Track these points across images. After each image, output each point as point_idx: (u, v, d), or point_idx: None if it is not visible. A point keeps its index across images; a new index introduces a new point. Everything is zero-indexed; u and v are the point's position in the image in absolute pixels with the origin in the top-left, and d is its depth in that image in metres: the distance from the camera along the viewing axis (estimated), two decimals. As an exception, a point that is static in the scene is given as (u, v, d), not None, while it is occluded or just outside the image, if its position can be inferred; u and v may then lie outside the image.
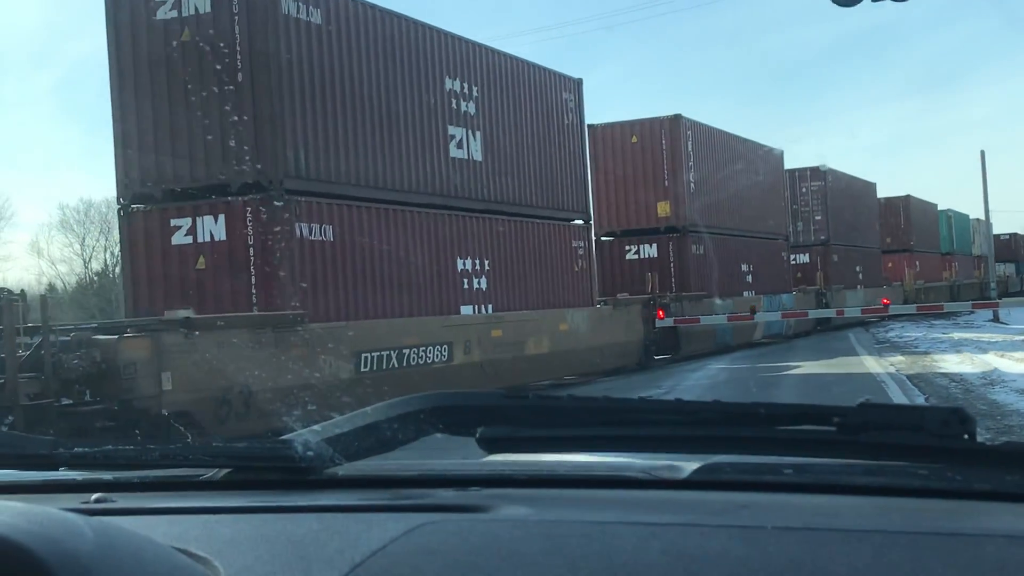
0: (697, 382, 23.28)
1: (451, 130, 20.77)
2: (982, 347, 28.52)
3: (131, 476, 1.86)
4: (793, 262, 46.51)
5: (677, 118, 32.05)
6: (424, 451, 1.83)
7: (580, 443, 1.76)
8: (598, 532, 1.39)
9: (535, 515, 1.50)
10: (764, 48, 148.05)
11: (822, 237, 46.89)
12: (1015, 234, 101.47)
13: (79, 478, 1.84)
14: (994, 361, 23.56)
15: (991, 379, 19.60)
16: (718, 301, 33.88)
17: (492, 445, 1.70)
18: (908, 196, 64.07)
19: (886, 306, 38.05)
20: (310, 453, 1.69)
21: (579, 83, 26.01)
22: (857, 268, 51.09)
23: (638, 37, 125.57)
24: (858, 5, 15.63)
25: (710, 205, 33.69)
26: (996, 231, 73.14)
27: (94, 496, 1.69)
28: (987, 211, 57.97)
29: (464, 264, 20.91)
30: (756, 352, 33.59)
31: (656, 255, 32.13)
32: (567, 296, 24.75)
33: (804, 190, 47.04)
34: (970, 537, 1.35)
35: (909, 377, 21.31)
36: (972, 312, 42.86)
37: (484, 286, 21.46)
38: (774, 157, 40.75)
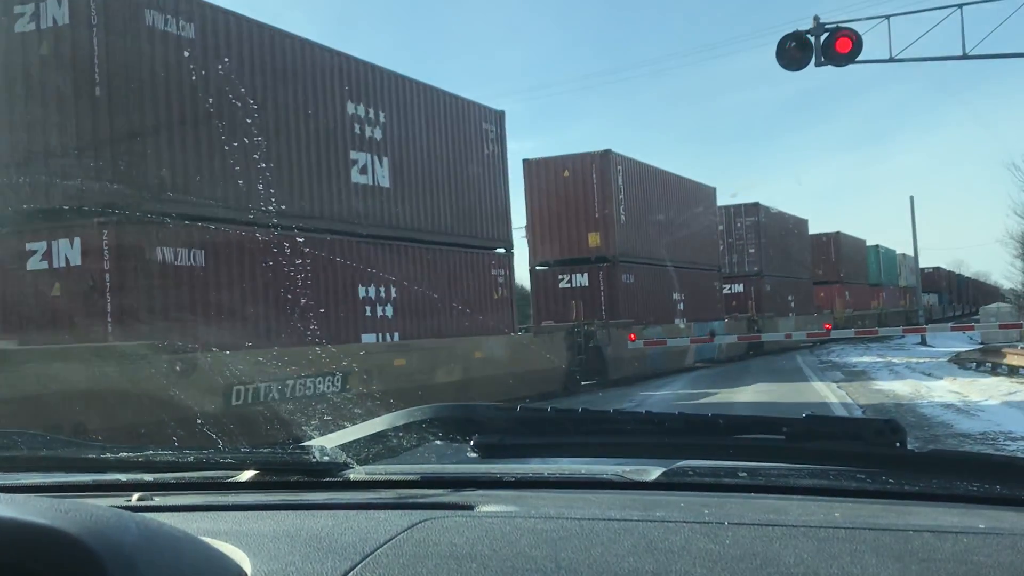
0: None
1: (353, 155, 17.86)
2: (912, 368, 29.14)
3: (169, 477, 1.81)
4: (728, 291, 43.74)
5: (607, 153, 29.19)
6: (425, 456, 1.82)
7: (562, 449, 1.75)
8: (577, 527, 1.38)
9: (521, 512, 1.50)
10: (721, 106, 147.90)
11: (755, 268, 44.07)
12: (938, 267, 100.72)
13: (123, 479, 1.79)
14: (921, 380, 23.84)
15: (919, 394, 19.89)
16: (681, 325, 31.08)
17: (485, 451, 1.66)
18: (838, 232, 61.58)
19: (828, 330, 37.91)
20: (326, 458, 1.69)
21: (501, 115, 23.13)
22: (789, 297, 48.30)
23: (609, 98, 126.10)
24: (804, 69, 16.13)
25: (641, 236, 30.81)
26: (922, 265, 71.17)
27: (136, 495, 1.67)
28: (916, 248, 57.69)
29: (367, 291, 17.97)
30: (696, 377, 30.64)
31: (587, 284, 29.21)
32: (485, 323, 21.82)
33: (739, 225, 44.24)
34: (900, 532, 1.34)
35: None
36: (903, 336, 44.11)
37: (390, 314, 18.51)
38: (707, 193, 37.89)
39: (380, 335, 18.17)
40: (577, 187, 29.21)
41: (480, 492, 1.68)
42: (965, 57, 17.11)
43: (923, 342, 42.73)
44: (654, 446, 1.70)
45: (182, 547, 1.13)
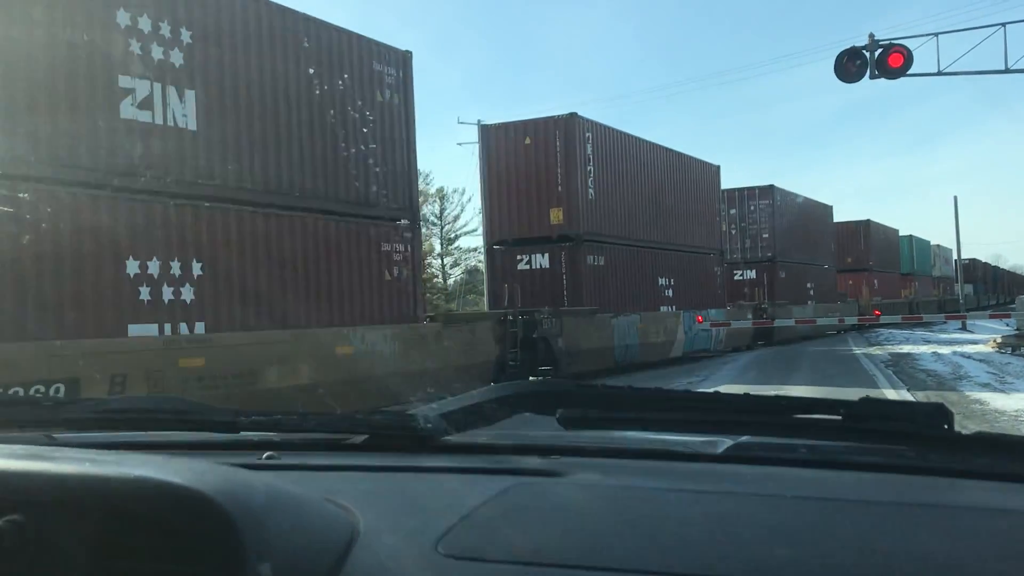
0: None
1: (125, 82, 11.50)
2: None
3: (294, 438, 1.79)
4: (739, 278, 36.67)
5: (572, 117, 22.38)
6: (516, 427, 1.77)
7: (639, 423, 1.68)
8: (652, 496, 1.37)
9: (602, 480, 1.46)
10: (782, 113, 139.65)
11: (769, 254, 36.78)
12: (974, 259, 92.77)
13: (255, 438, 1.76)
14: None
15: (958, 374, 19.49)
16: (668, 313, 24.13)
17: (569, 423, 1.60)
18: (869, 220, 53.68)
19: (877, 316, 35.18)
20: (429, 425, 1.66)
21: (404, 57, 16.51)
22: (808, 284, 40.82)
23: (681, 106, 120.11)
24: (859, 81, 16.17)
25: (615, 214, 23.94)
26: (955, 257, 63.22)
27: (265, 454, 1.66)
28: (958, 243, 54.11)
29: (150, 267, 11.67)
30: (678, 372, 23.78)
31: (548, 265, 22.54)
32: (371, 311, 15.36)
33: (753, 208, 36.98)
34: (949, 509, 1.32)
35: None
36: (945, 322, 42.13)
37: (190, 298, 12.17)
38: (708, 171, 30.68)
39: (167, 326, 11.86)
40: (539, 156, 22.50)
41: (565, 460, 1.59)
42: (1008, 71, 16.93)
43: (964, 327, 40.80)
44: (723, 422, 1.64)
45: (303, 506, 1.14)
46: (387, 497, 1.36)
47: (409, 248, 16.28)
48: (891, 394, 15.89)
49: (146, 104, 11.71)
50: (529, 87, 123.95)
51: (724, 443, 1.62)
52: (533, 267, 22.51)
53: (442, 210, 54.25)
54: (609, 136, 23.87)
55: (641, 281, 25.11)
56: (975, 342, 31.33)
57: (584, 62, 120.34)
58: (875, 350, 29.77)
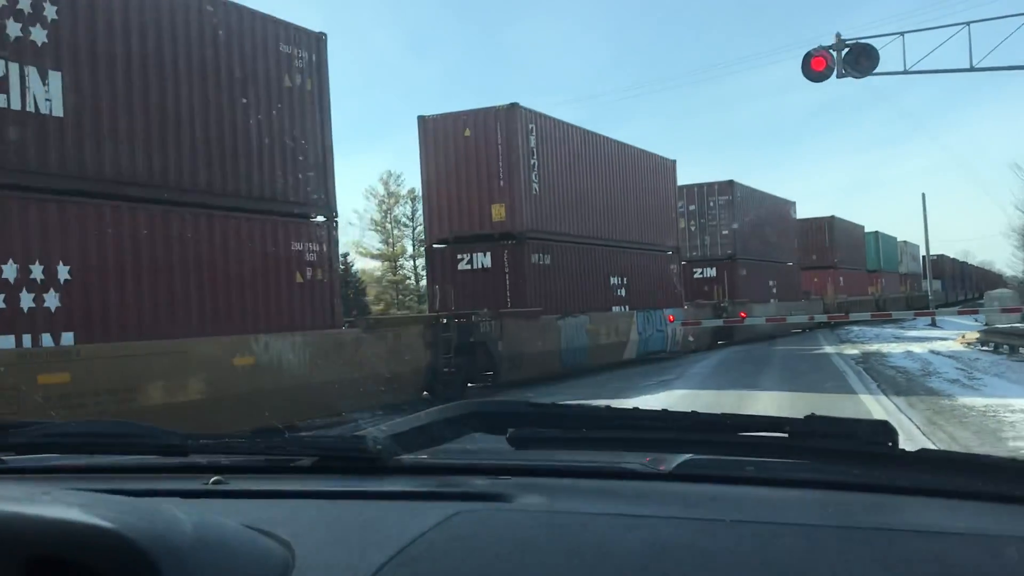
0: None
1: (-31, 61, 10.09)
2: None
3: (243, 461, 1.77)
4: (699, 276, 35.53)
5: (513, 108, 21.04)
6: (465, 447, 1.78)
7: (589, 443, 1.67)
8: (593, 523, 1.33)
9: (547, 504, 1.42)
10: (752, 111, 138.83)
11: (729, 251, 35.63)
12: (942, 255, 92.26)
13: (204, 462, 1.73)
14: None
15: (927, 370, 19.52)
16: (621, 313, 22.78)
17: (520, 443, 1.61)
18: (833, 217, 52.74)
19: (847, 314, 35.73)
20: (379, 447, 1.62)
21: (319, 38, 15.11)
22: (770, 282, 39.74)
23: (652, 106, 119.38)
24: (826, 80, 16.19)
25: (561, 210, 22.63)
26: (923, 253, 62.74)
27: (212, 479, 1.62)
28: (927, 240, 54.78)
29: (5, 271, 10.22)
30: (631, 374, 22.52)
31: (490, 265, 21.20)
32: (279, 317, 13.95)
33: (712, 204, 35.80)
34: (887, 531, 1.29)
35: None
36: (914, 319, 43.68)
37: (55, 305, 10.73)
38: (663, 166, 29.45)
39: (27, 338, 10.42)
40: (480, 149, 21.15)
41: (514, 480, 1.56)
42: (972, 69, 16.94)
43: (933, 323, 41.87)
44: (671, 441, 1.63)
45: (234, 543, 1.11)
46: (328, 527, 1.33)
47: (325, 247, 14.88)
48: (864, 394, 15.62)
49: (-1, 86, 10.26)
50: (502, 88, 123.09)
51: (674, 461, 1.60)
52: (475, 267, 21.16)
53: (414, 211, 53.36)
54: (555, 128, 22.55)
55: (591, 280, 23.82)
56: (944, 338, 31.01)
57: (556, 64, 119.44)
58: (848, 348, 28.75)
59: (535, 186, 21.40)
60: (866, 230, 62.14)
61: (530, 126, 21.37)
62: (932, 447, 10.38)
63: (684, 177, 34.67)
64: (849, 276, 54.60)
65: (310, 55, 14.85)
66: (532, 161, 21.35)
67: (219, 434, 1.82)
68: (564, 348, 21.63)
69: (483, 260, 21.09)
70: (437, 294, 18.59)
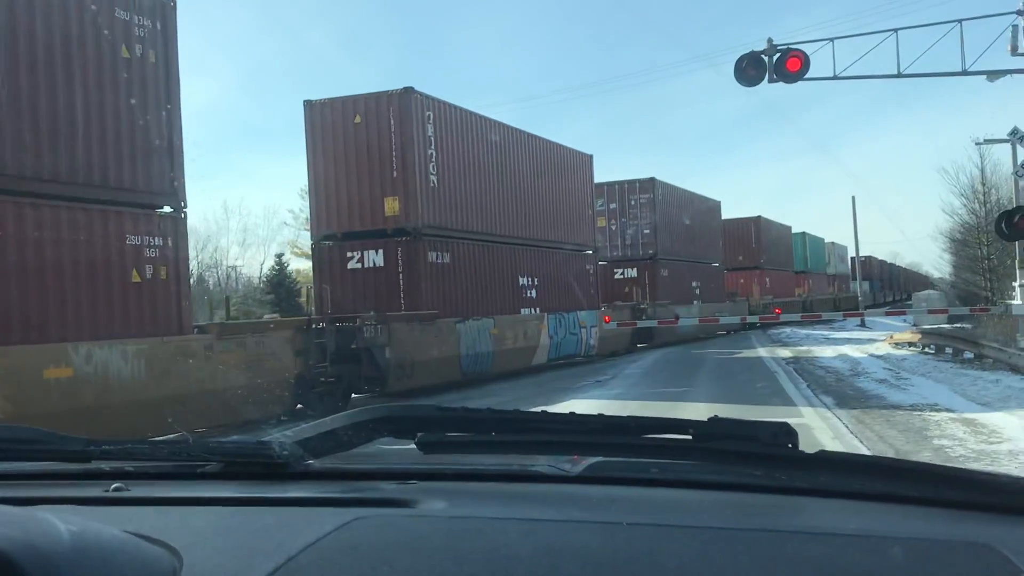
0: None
1: None
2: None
3: (148, 467, 1.74)
4: (620, 277, 34.07)
5: (408, 92, 19.22)
6: (374, 452, 1.78)
7: (498, 447, 1.68)
8: (490, 528, 1.33)
9: (447, 511, 1.41)
10: (687, 115, 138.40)
11: (650, 251, 34.23)
12: (870, 256, 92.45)
13: (107, 468, 1.70)
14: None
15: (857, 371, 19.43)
16: (530, 316, 21.06)
17: (428, 448, 1.61)
18: (759, 217, 51.79)
19: (778, 315, 34.86)
20: (285, 452, 1.61)
21: (164, 5, 13.09)
22: (694, 283, 38.47)
23: (591, 108, 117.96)
24: (758, 85, 16.26)
25: (464, 205, 20.88)
26: (853, 254, 62.48)
27: (113, 485, 1.59)
28: (857, 242, 54.22)
29: None
30: (537, 382, 20.88)
31: (382, 263, 19.38)
32: (108, 322, 11.99)
33: (633, 202, 34.38)
34: (778, 533, 1.30)
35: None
36: (843, 319, 43.05)
37: None
38: (580, 161, 27.87)
39: None
40: (371, 137, 19.30)
41: (421, 485, 1.56)
42: (900, 75, 17.31)
43: (862, 324, 41.38)
44: (579, 444, 1.64)
45: (117, 552, 1.07)
46: (222, 534, 1.31)
47: (170, 241, 12.95)
48: (793, 392, 15.61)
49: None
50: (439, 88, 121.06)
51: (581, 464, 1.60)
52: (365, 265, 19.33)
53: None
54: (455, 116, 20.79)
55: (497, 281, 22.12)
56: (873, 340, 30.67)
57: (494, 65, 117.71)
58: (780, 350, 27.59)
59: (433, 178, 19.63)
60: (793, 231, 61.50)
61: (427, 113, 19.60)
62: (862, 447, 9.75)
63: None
64: (776, 277, 53.81)
65: (154, 23, 12.91)
66: (430, 151, 19.58)
67: (123, 440, 1.76)
68: (464, 354, 19.91)
69: (375, 258, 19.27)
70: (326, 295, 16.71)
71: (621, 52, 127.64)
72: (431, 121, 19.66)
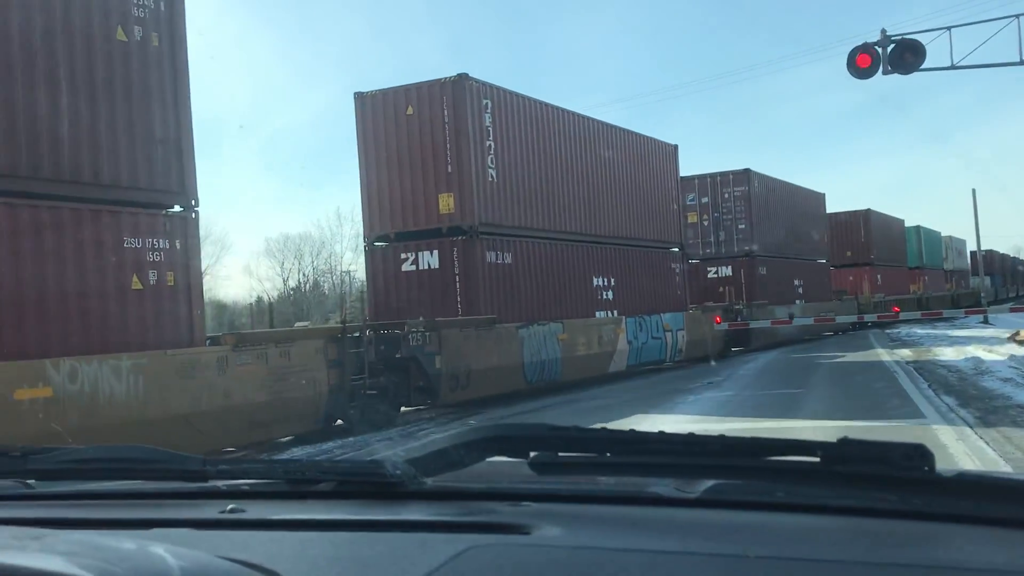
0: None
1: None
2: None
3: (262, 486, 1.72)
4: (713, 276, 31.84)
5: (462, 79, 17.65)
6: (485, 472, 1.69)
7: (612, 468, 1.62)
8: (609, 561, 1.26)
9: (564, 537, 1.36)
10: (797, 110, 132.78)
11: (746, 248, 31.88)
12: (992, 250, 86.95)
13: (223, 487, 1.71)
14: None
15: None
16: (605, 319, 19.45)
17: (542, 468, 1.56)
18: (868, 210, 48.50)
19: (896, 312, 32.67)
20: (397, 471, 1.58)
21: (170, -18, 11.91)
22: (796, 282, 35.86)
23: (693, 107, 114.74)
24: (872, 77, 15.87)
25: (529, 201, 19.23)
26: (973, 248, 58.56)
27: (230, 506, 1.58)
28: (978, 237, 50.16)
29: None
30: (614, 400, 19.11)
31: (438, 265, 17.86)
32: (104, 334, 10.72)
33: (727, 196, 32.09)
34: (920, 568, 1.21)
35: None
36: (965, 316, 40.57)
37: None
38: (663, 152, 25.84)
39: None
40: (424, 130, 17.82)
41: (536, 507, 1.52)
42: (1022, 63, 16.44)
43: (985, 321, 38.36)
44: (697, 467, 1.55)
45: None
46: (335, 564, 1.29)
47: (178, 244, 11.65)
48: (916, 396, 14.17)
49: None
50: (543, 90, 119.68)
51: (700, 486, 1.53)
52: (420, 267, 17.84)
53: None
54: (517, 104, 19.12)
55: (567, 282, 20.35)
56: (997, 337, 27.51)
57: (596, 66, 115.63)
58: (901, 350, 25.01)
59: (492, 172, 18.02)
60: (907, 224, 57.73)
61: (484, 101, 18.00)
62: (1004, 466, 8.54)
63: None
64: (888, 273, 50.34)
65: (157, 4, 11.63)
66: (487, 143, 17.98)
67: (239, 459, 1.88)
68: (528, 361, 18.21)
69: (429, 259, 17.76)
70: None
71: (729, 47, 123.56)
72: (489, 110, 18.05)
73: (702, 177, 31.92)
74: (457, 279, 17.53)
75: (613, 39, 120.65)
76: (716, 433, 1.53)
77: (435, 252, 17.69)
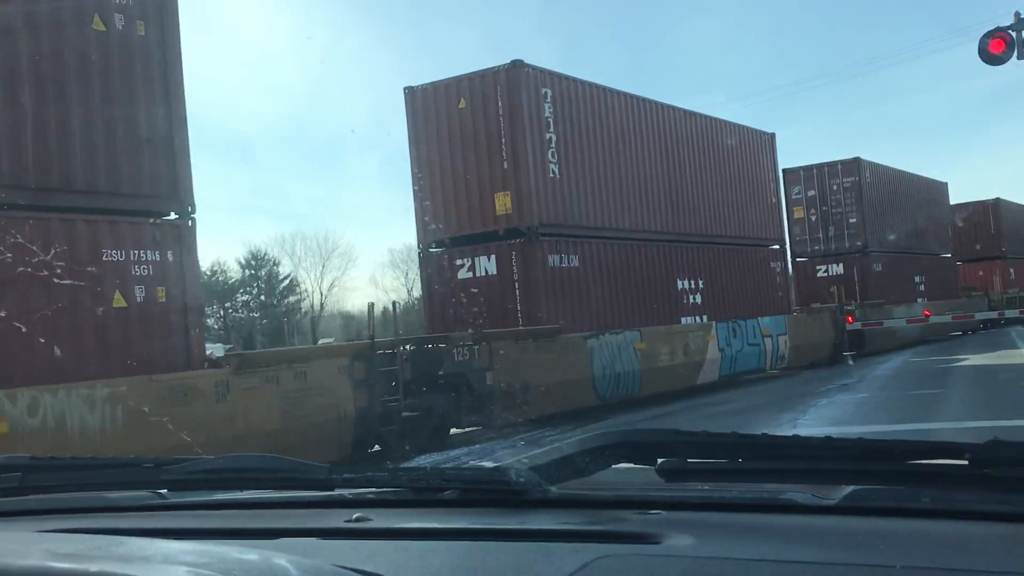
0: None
1: None
2: None
3: (387, 495, 1.71)
4: (823, 274, 29.26)
5: (517, 66, 15.92)
6: (612, 479, 1.66)
7: (744, 475, 1.53)
8: (743, 570, 1.20)
9: (696, 548, 1.28)
10: (924, 101, 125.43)
11: (858, 243, 29.12)
12: None
13: (349, 496, 1.70)
14: None
15: None
16: (693, 326, 17.68)
17: (670, 475, 1.50)
18: (998, 199, 44.52)
19: None
20: (522, 479, 1.53)
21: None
22: (917, 278, 32.78)
23: (818, 102, 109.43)
24: (1005, 63, 14.95)
25: (599, 198, 17.33)
26: None
27: (355, 514, 1.58)
28: None
29: None
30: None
31: (496, 271, 16.19)
32: (82, 358, 9.44)
33: (835, 188, 29.41)
34: None
35: None
36: None
37: None
38: (758, 141, 23.49)
39: None
40: (478, 124, 16.19)
41: (665, 516, 1.45)
42: None
43: None
44: (834, 472, 1.45)
45: None
46: (455, 574, 1.27)
47: (170, 256, 10.32)
48: None
49: None
50: (662, 92, 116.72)
51: (839, 493, 1.43)
52: (477, 273, 16.21)
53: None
54: (582, 92, 17.29)
55: (646, 286, 18.37)
56: None
57: (714, 64, 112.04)
58: None
59: (553, 168, 16.26)
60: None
61: (543, 91, 16.26)
62: None
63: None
64: (1022, 267, 46.17)
65: (150, -18, 10.36)
66: (548, 135, 16.23)
67: (363, 468, 1.91)
68: (600, 375, 16.34)
69: (487, 265, 16.11)
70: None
71: (848, 41, 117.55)
72: (549, 100, 16.30)
73: (808, 168, 29.36)
74: (516, 286, 15.83)
75: (732, 37, 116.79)
76: (855, 436, 1.47)
77: (492, 257, 16.03)
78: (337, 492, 1.70)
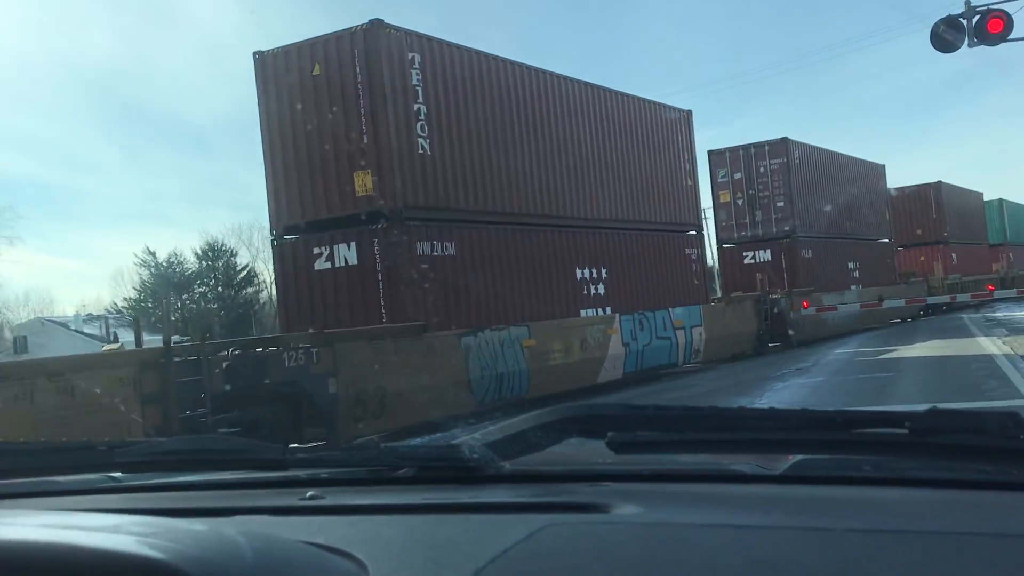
0: None
1: None
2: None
3: (341, 474, 1.69)
4: (750, 261, 27.58)
5: (377, 26, 13.74)
6: (563, 453, 1.64)
7: (692, 446, 1.55)
8: (691, 535, 1.20)
9: (644, 515, 1.28)
10: (880, 89, 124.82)
11: (785, 228, 27.44)
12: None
13: (303, 475, 1.67)
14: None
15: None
16: (593, 318, 15.75)
17: (620, 447, 1.48)
18: (940, 183, 43.20)
19: (991, 291, 30.73)
20: (475, 455, 1.53)
21: None
22: (851, 264, 31.21)
23: (778, 90, 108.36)
24: (957, 51, 15.46)
25: (481, 177, 15.31)
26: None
27: (309, 493, 1.53)
28: None
29: None
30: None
31: (356, 260, 14.12)
32: None
33: (762, 170, 27.67)
34: (1016, 538, 1.13)
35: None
36: None
37: None
38: (671, 118, 21.55)
39: None
40: (335, 93, 14.06)
41: (615, 486, 1.44)
42: None
43: None
44: (779, 442, 1.48)
45: (299, 569, 1.04)
46: (411, 546, 1.25)
47: None
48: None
49: None
50: (619, 83, 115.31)
51: (784, 462, 1.45)
52: (336, 263, 14.14)
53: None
54: (458, 59, 15.22)
55: (540, 276, 16.41)
56: None
57: (671, 54, 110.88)
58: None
59: (422, 143, 14.21)
60: (986, 198, 51.99)
61: (411, 55, 14.18)
62: None
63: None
64: (965, 252, 44.94)
65: None
66: (416, 106, 14.17)
67: (316, 448, 1.72)
68: (477, 377, 14.36)
69: (346, 254, 14.05)
70: (293, 306, 11.70)
71: (805, 30, 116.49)
72: (417, 65, 14.24)
73: (734, 150, 27.62)
74: (379, 277, 13.79)
75: (687, 28, 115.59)
76: (798, 407, 1.59)
77: (352, 244, 13.97)
78: (292, 472, 1.67)
